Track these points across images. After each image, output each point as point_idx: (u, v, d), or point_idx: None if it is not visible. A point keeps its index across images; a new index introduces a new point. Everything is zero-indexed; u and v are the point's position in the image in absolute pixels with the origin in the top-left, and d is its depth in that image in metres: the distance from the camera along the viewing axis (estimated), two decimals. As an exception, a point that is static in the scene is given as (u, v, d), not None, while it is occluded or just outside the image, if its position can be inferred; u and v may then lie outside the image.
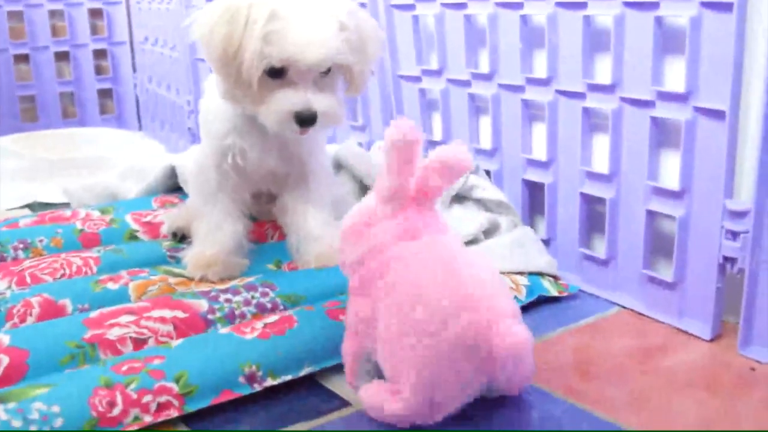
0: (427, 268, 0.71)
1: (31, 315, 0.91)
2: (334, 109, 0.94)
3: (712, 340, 0.90)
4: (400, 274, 0.72)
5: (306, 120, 0.92)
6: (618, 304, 1.01)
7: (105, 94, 2.20)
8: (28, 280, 1.02)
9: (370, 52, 0.97)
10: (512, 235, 1.06)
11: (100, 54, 2.17)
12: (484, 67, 1.18)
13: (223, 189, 1.06)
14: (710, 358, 0.86)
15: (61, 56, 2.12)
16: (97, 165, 1.73)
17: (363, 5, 1.35)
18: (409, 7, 1.28)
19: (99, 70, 2.18)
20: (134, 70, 2.21)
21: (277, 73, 0.92)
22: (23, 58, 2.07)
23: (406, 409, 0.70)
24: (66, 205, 1.43)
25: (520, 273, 1.01)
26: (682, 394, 0.79)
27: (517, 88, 1.12)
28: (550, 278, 1.03)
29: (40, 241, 1.15)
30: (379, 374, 0.76)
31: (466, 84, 1.21)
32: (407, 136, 0.71)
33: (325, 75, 0.94)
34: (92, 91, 2.16)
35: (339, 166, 1.27)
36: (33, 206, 1.46)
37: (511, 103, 1.14)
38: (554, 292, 1.01)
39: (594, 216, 1.06)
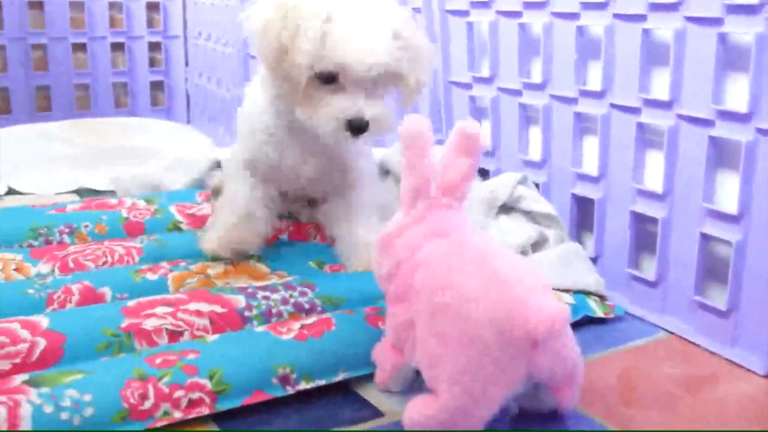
0: (455, 262, 0.70)
1: (70, 302, 0.91)
2: (386, 117, 0.93)
3: (767, 376, 0.86)
4: (429, 272, 0.71)
5: (358, 128, 0.91)
6: (666, 329, 0.97)
7: (156, 86, 2.22)
8: (71, 265, 1.02)
9: (422, 63, 0.96)
10: (559, 250, 1.04)
11: (154, 46, 2.20)
12: (536, 77, 1.16)
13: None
14: (765, 394, 0.82)
15: (117, 47, 2.15)
16: (146, 155, 1.74)
17: (417, 10, 1.34)
18: (464, 13, 1.26)
19: (152, 62, 2.20)
20: (186, 63, 2.23)
21: (328, 78, 0.91)
22: (81, 47, 2.10)
23: (444, 408, 0.67)
24: (112, 193, 1.43)
25: (566, 290, 0.99)
26: (732, 428, 0.75)
27: (569, 100, 1.10)
28: (596, 298, 1.01)
29: (86, 226, 1.16)
30: (414, 384, 0.74)
31: (517, 93, 1.19)
32: (416, 128, 0.72)
33: (377, 82, 0.93)
34: (145, 82, 2.19)
35: (386, 171, 1.25)
36: (80, 192, 1.48)
37: (563, 114, 1.11)
38: (600, 313, 0.98)
39: (644, 235, 1.03)
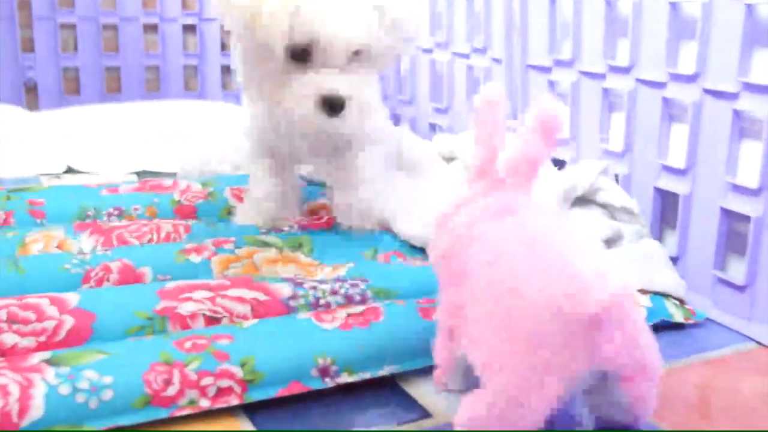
0: (511, 236, 0.62)
1: (108, 280, 0.86)
2: (367, 95, 0.87)
3: None
4: (482, 247, 0.64)
5: (334, 103, 0.84)
6: (754, 340, 0.87)
7: (227, 69, 2.18)
8: (115, 241, 0.98)
9: (403, 34, 0.90)
10: (638, 248, 0.94)
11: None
12: (622, 60, 1.06)
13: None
14: None
15: (189, 29, 2.12)
16: (213, 138, 1.70)
17: (494, -14, 1.25)
18: (545, -9, 1.17)
19: (224, 46, 2.16)
20: (259, 48, 2.19)
21: (301, 55, 0.85)
22: (152, 28, 2.08)
23: (495, 398, 0.58)
24: (171, 174, 1.39)
25: (642, 291, 0.89)
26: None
27: (658, 84, 1.00)
28: (675, 301, 0.91)
29: (135, 209, 1.11)
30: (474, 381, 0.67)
31: (600, 77, 1.09)
32: (491, 97, 0.67)
33: (355, 58, 0.86)
34: (215, 65, 2.15)
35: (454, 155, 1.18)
36: (141, 174, 1.44)
37: (650, 100, 1.01)
38: (679, 318, 0.88)
39: (733, 234, 0.92)
